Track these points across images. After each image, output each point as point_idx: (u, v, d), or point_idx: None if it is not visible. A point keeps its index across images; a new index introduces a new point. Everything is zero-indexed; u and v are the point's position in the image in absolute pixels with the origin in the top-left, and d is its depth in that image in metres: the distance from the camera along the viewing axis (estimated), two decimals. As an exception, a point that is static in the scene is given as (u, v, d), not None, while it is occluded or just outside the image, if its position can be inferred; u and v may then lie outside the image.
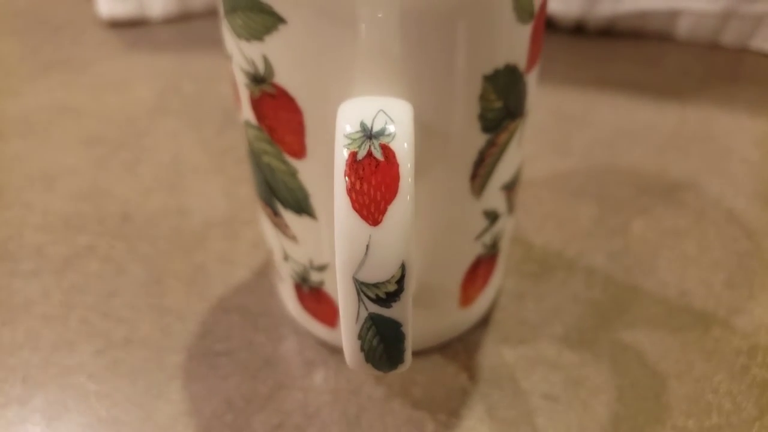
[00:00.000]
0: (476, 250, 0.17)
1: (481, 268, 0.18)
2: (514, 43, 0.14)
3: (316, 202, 0.15)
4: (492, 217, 0.17)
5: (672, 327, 0.20)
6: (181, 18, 0.39)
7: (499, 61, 0.13)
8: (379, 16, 0.12)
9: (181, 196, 0.26)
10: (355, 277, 0.11)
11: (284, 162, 0.15)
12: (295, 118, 0.14)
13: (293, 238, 0.17)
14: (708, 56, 0.35)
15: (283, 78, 0.13)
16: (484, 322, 0.20)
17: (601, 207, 0.25)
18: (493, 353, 0.19)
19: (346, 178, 0.11)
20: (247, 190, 0.26)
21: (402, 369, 0.13)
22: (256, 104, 0.14)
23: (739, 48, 0.35)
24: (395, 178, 0.11)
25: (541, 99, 0.23)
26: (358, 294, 0.11)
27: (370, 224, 0.11)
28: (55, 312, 0.21)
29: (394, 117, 0.11)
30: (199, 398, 0.18)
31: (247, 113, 0.15)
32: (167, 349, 0.19)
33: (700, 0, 0.34)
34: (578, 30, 0.37)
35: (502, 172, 0.16)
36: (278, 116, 0.14)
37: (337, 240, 0.11)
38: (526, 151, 0.18)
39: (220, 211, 0.25)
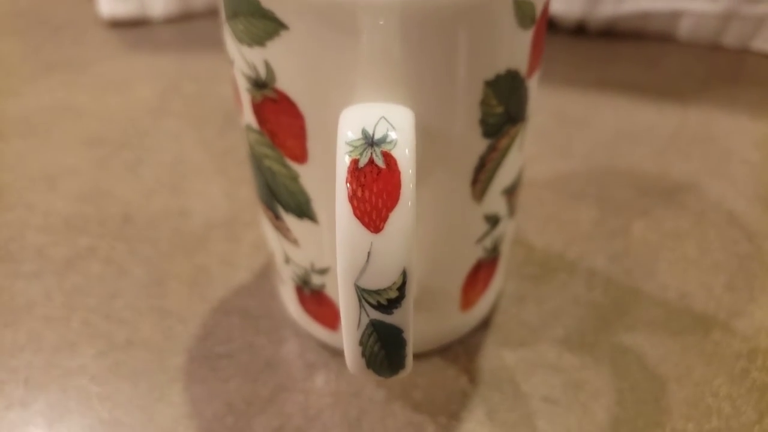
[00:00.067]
0: (477, 253, 0.17)
1: (481, 272, 0.18)
2: (515, 48, 0.14)
3: (317, 206, 0.15)
4: (493, 221, 0.17)
5: (672, 330, 0.20)
6: (183, 18, 0.39)
7: (501, 67, 0.14)
8: (381, 23, 0.12)
9: (182, 197, 0.26)
10: (356, 284, 0.11)
11: (285, 166, 0.15)
12: (296, 122, 0.14)
13: (294, 241, 0.17)
14: (709, 57, 0.35)
15: (284, 83, 0.13)
16: (485, 324, 0.20)
17: (602, 209, 0.25)
18: (494, 356, 0.19)
19: (348, 185, 0.11)
20: (248, 191, 0.26)
21: (403, 374, 0.13)
22: (258, 109, 0.15)
23: (740, 49, 0.35)
24: (396, 185, 0.11)
25: (542, 100, 0.23)
26: (360, 300, 0.11)
27: (371, 231, 0.11)
28: (56, 314, 0.21)
29: (396, 124, 0.11)
30: (200, 401, 0.18)
31: (249, 117, 0.15)
32: (168, 351, 0.20)
33: (702, 1, 0.34)
34: (579, 31, 0.37)
35: (503, 177, 0.16)
36: (280, 121, 0.14)
37: (339, 247, 0.11)
38: (527, 152, 0.18)
39: (222, 212, 0.25)
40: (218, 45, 0.23)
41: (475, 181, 0.15)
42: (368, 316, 0.11)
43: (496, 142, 0.15)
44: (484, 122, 0.14)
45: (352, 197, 0.11)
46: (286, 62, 0.13)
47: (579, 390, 0.18)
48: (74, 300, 0.21)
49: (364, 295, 0.11)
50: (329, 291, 0.17)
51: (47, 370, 0.19)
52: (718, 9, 0.34)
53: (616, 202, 0.25)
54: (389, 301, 0.11)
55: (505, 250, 0.19)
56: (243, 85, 0.15)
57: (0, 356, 0.20)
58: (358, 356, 0.12)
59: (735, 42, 0.35)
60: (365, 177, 0.11)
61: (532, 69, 0.15)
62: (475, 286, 0.18)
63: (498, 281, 0.20)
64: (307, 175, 0.15)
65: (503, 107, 0.14)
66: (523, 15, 0.13)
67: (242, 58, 0.14)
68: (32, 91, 0.33)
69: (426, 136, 0.13)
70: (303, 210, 0.16)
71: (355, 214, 0.11)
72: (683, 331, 0.20)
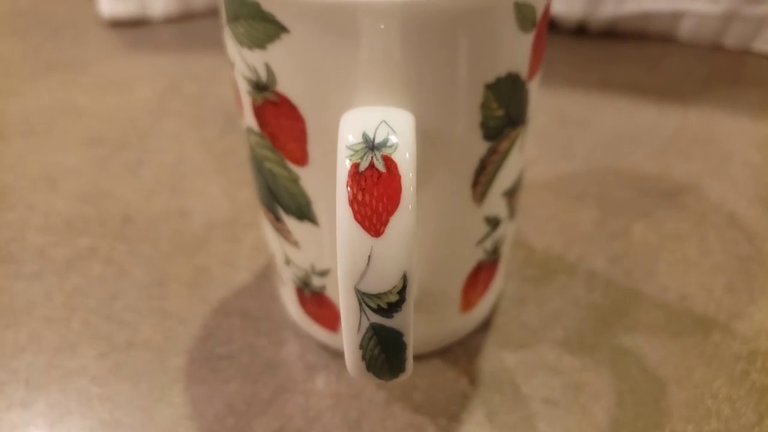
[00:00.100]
0: (477, 255, 0.17)
1: (482, 274, 0.18)
2: (516, 51, 0.14)
3: (317, 208, 0.15)
4: (493, 223, 0.17)
5: (672, 332, 0.20)
6: (183, 17, 0.39)
7: (501, 70, 0.14)
8: (381, 27, 0.12)
9: (182, 197, 0.26)
10: (356, 288, 0.11)
11: (286, 169, 0.15)
12: (297, 125, 0.14)
13: (295, 243, 0.17)
14: (710, 58, 0.35)
15: (285, 86, 0.13)
16: (485, 326, 0.20)
17: (603, 210, 0.25)
18: (494, 357, 0.19)
19: (348, 189, 0.11)
20: (248, 192, 0.26)
21: (403, 378, 0.13)
22: (259, 111, 0.15)
23: (741, 50, 0.35)
24: (397, 189, 0.11)
25: (542, 101, 0.23)
26: (360, 304, 0.11)
27: (372, 235, 0.11)
28: (57, 314, 0.21)
29: (396, 128, 0.11)
30: (200, 402, 0.18)
31: (250, 120, 0.15)
32: (169, 353, 0.20)
33: (703, 1, 0.34)
34: (580, 31, 0.37)
35: (504, 179, 0.16)
36: (280, 124, 0.14)
37: (339, 251, 0.11)
38: (528, 153, 0.18)
39: (222, 213, 0.25)
40: (219, 45, 0.23)
41: (475, 184, 0.15)
42: (368, 319, 0.11)
43: (497, 144, 0.15)
44: (484, 125, 0.14)
45: (353, 201, 0.11)
46: (287, 65, 0.13)
47: (579, 392, 0.18)
48: (75, 301, 0.21)
49: (364, 298, 0.11)
50: (330, 293, 0.17)
51: (48, 371, 0.19)
52: (719, 10, 0.34)
53: (617, 203, 0.25)
54: (389, 304, 0.11)
55: (506, 252, 0.19)
56: (244, 88, 0.15)
57: (1, 357, 0.20)
58: (359, 359, 0.12)
59: (736, 43, 0.35)
60: (366, 181, 0.11)
61: (532, 72, 0.15)
62: (475, 288, 0.18)
63: (498, 283, 0.20)
64: (308, 178, 0.15)
65: (504, 110, 0.14)
66: (524, 18, 0.13)
67: (243, 60, 0.14)
68: (32, 91, 0.33)
69: (426, 139, 0.13)
70: (303, 212, 0.16)
71: (356, 218, 0.11)
72: (683, 333, 0.20)
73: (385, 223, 0.11)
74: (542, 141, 0.29)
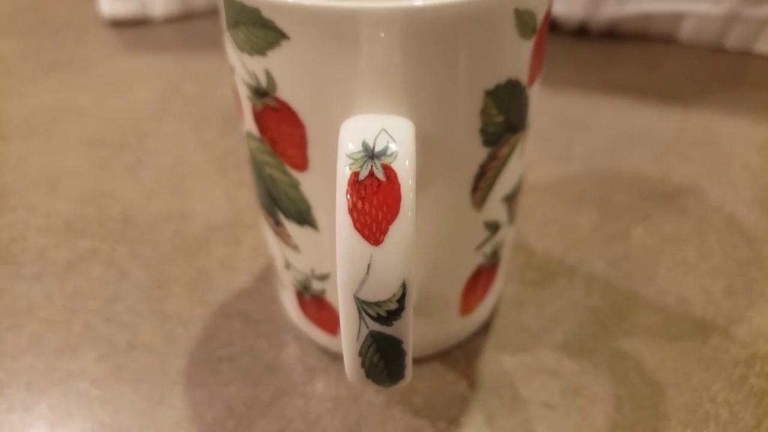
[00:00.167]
0: (477, 260, 0.17)
1: (481, 278, 0.18)
2: (516, 58, 0.14)
3: (317, 213, 0.15)
4: (493, 227, 0.17)
5: (671, 335, 0.20)
6: (184, 17, 0.39)
7: (501, 76, 0.14)
8: (382, 34, 0.12)
9: (182, 199, 0.26)
10: (356, 296, 0.11)
11: (286, 174, 0.15)
12: (297, 131, 0.14)
13: (295, 247, 0.17)
14: (711, 59, 0.35)
15: (285, 92, 0.13)
16: (485, 329, 0.20)
17: (602, 213, 0.25)
18: (493, 361, 0.19)
19: (348, 197, 0.11)
20: (248, 193, 0.26)
21: (402, 384, 0.13)
22: (259, 117, 0.15)
23: (742, 51, 0.35)
24: (396, 198, 0.11)
25: (542, 103, 0.23)
26: (359, 312, 0.11)
27: (371, 244, 0.11)
28: (58, 316, 0.21)
29: (396, 136, 0.11)
30: (201, 404, 0.18)
31: (250, 125, 0.15)
32: (169, 355, 0.20)
33: (704, 3, 0.33)
34: (581, 32, 0.37)
35: (503, 184, 0.16)
36: (280, 129, 0.14)
37: (339, 259, 0.11)
38: (528, 155, 0.18)
39: (222, 214, 0.25)
40: (219, 45, 0.23)
41: (475, 189, 0.15)
42: (368, 327, 0.11)
43: (497, 150, 0.15)
44: (484, 131, 0.14)
45: (353, 209, 0.11)
46: (287, 72, 0.13)
47: (577, 395, 0.18)
48: (75, 303, 0.21)
49: (363, 306, 0.11)
50: (329, 296, 0.17)
51: (49, 373, 0.19)
52: (721, 11, 0.33)
53: (616, 206, 0.25)
54: (389, 312, 0.11)
55: (505, 256, 0.19)
56: (244, 93, 0.15)
57: (2, 359, 0.20)
58: (358, 366, 0.12)
59: (737, 44, 0.35)
60: (365, 190, 0.11)
61: (532, 78, 0.15)
62: (474, 292, 0.18)
63: (498, 286, 0.20)
64: (308, 183, 0.15)
65: (503, 116, 0.14)
66: (524, 25, 0.13)
67: (243, 66, 0.14)
68: (33, 91, 0.33)
69: (426, 145, 0.13)
70: (303, 217, 0.16)
71: (356, 227, 0.11)
72: (682, 337, 0.20)
73: (384, 232, 0.11)
74: (542, 142, 0.29)
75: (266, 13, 0.12)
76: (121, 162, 0.28)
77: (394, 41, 0.12)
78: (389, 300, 0.11)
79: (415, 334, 0.13)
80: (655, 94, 0.32)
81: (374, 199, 0.11)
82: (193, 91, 0.33)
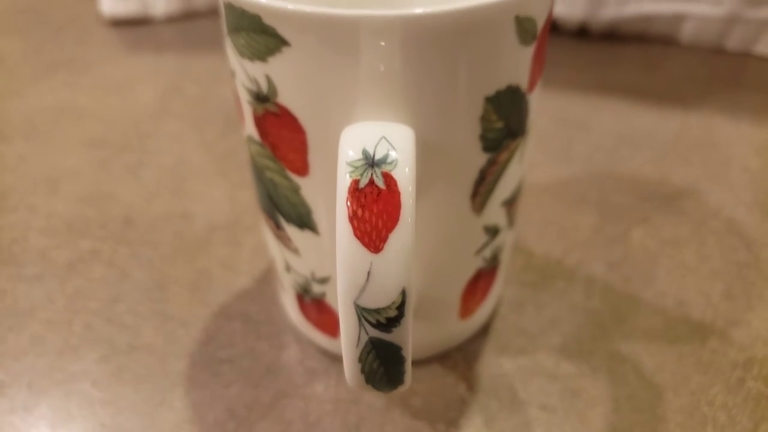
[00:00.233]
0: (476, 264, 0.17)
1: (481, 281, 0.18)
2: (516, 64, 0.14)
3: (318, 217, 0.15)
4: (492, 232, 0.17)
5: (669, 338, 0.20)
6: (185, 17, 0.39)
7: (501, 83, 0.14)
8: (382, 41, 0.12)
9: (183, 200, 0.26)
10: (356, 303, 0.11)
11: (287, 178, 0.15)
12: (297, 137, 0.14)
13: (295, 250, 0.17)
14: (712, 61, 0.35)
15: (286, 98, 0.13)
16: (484, 331, 0.20)
17: (602, 215, 0.25)
18: (492, 363, 0.20)
19: (348, 205, 0.11)
20: (249, 194, 0.26)
21: (402, 389, 0.13)
22: (259, 122, 0.15)
23: (742, 53, 0.35)
24: (396, 206, 0.11)
25: (543, 104, 0.23)
26: (359, 319, 0.11)
27: (371, 251, 0.11)
28: (59, 317, 0.21)
29: (396, 144, 0.11)
30: (201, 406, 0.18)
31: (250, 129, 0.15)
32: (170, 356, 0.20)
33: (705, 4, 0.33)
34: (582, 33, 0.37)
35: (503, 189, 0.16)
36: (281, 134, 0.14)
37: (339, 266, 0.11)
38: (528, 156, 0.18)
39: (223, 215, 0.25)
40: (220, 45, 0.23)
41: (474, 194, 0.15)
42: (367, 334, 0.12)
43: (496, 156, 0.15)
44: (484, 137, 0.14)
45: (353, 217, 0.11)
46: (288, 78, 0.13)
47: (576, 398, 0.18)
48: (76, 303, 0.22)
49: (363, 313, 0.11)
50: (329, 299, 0.18)
51: (50, 374, 0.19)
52: (721, 12, 0.33)
53: (616, 208, 0.25)
54: (388, 319, 0.11)
55: (505, 259, 0.19)
56: (244, 98, 0.15)
57: (3, 359, 0.20)
58: (357, 372, 0.12)
59: (738, 46, 0.35)
60: (365, 198, 0.11)
61: (532, 83, 0.15)
62: (474, 295, 0.18)
63: (497, 289, 0.20)
64: (308, 188, 0.15)
65: (503, 122, 0.14)
66: (525, 32, 0.13)
67: (244, 71, 0.14)
68: (34, 92, 0.33)
69: (426, 151, 0.14)
70: (304, 221, 0.16)
71: (356, 234, 0.11)
72: (680, 340, 0.20)
73: (384, 240, 0.11)
74: (542, 144, 0.29)
75: (267, 20, 0.12)
76: (122, 162, 0.28)
77: (395, 49, 0.12)
78: (389, 307, 0.11)
79: (414, 336, 0.13)
80: (655, 96, 0.32)
81: (374, 207, 0.11)
82: (194, 91, 0.33)
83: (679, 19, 0.35)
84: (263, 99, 0.14)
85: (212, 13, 0.39)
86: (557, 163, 0.28)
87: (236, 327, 0.21)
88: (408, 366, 0.12)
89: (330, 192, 0.13)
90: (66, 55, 0.36)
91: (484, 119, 0.14)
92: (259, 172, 0.16)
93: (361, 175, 0.11)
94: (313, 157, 0.14)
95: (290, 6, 0.12)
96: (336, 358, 0.20)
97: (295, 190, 0.15)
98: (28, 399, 0.19)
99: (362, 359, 0.12)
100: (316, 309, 0.18)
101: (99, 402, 0.19)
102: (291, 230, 0.16)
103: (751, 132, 0.30)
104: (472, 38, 0.12)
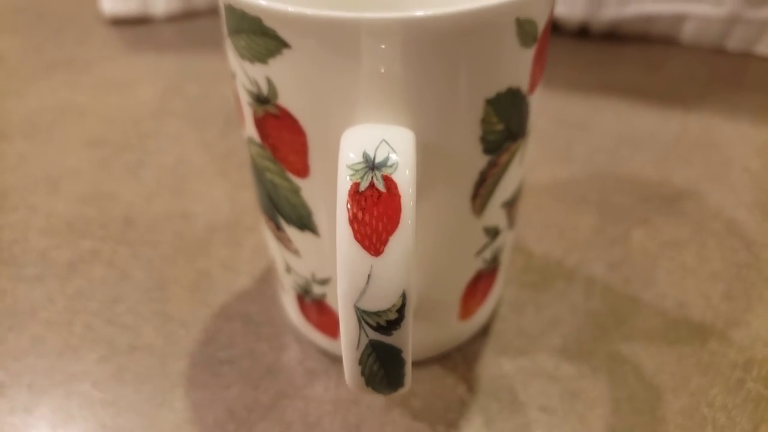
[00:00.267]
0: (476, 265, 0.17)
1: (481, 282, 0.18)
2: (516, 66, 0.14)
3: (318, 219, 0.16)
4: (492, 233, 0.17)
5: (669, 339, 0.20)
6: (185, 16, 0.39)
7: (502, 85, 0.14)
8: (383, 43, 0.12)
9: (184, 199, 0.26)
10: (356, 306, 0.11)
11: (287, 180, 0.15)
12: (298, 139, 0.14)
13: (296, 252, 0.17)
14: (712, 61, 0.35)
15: (286, 100, 0.13)
16: (484, 332, 0.20)
17: (602, 216, 0.25)
18: (492, 364, 0.20)
19: (349, 208, 0.11)
20: (249, 194, 0.26)
21: (402, 392, 0.13)
22: (260, 123, 0.15)
23: (743, 53, 0.35)
24: (397, 209, 0.11)
25: (544, 104, 0.23)
26: (359, 321, 0.11)
27: (371, 254, 0.11)
28: (59, 318, 0.21)
29: (396, 147, 0.11)
30: (202, 407, 0.18)
31: (251, 131, 0.15)
32: (171, 357, 0.20)
33: (705, 4, 0.33)
34: (582, 33, 0.37)
35: (503, 191, 0.16)
36: (281, 136, 0.14)
37: (339, 269, 0.11)
38: (528, 156, 0.18)
39: (224, 215, 0.25)
40: (221, 45, 0.23)
41: (475, 196, 0.15)
42: (368, 336, 0.12)
43: (497, 158, 0.15)
44: (484, 139, 0.14)
45: (353, 220, 0.11)
46: (288, 80, 0.13)
47: (576, 399, 0.18)
48: (77, 304, 0.22)
49: (363, 316, 0.11)
50: (330, 301, 0.18)
51: (50, 374, 0.19)
52: (722, 13, 0.33)
53: (616, 209, 0.25)
54: (388, 322, 0.11)
55: (505, 260, 0.19)
56: (245, 99, 0.15)
57: (4, 360, 0.20)
58: (358, 375, 0.12)
59: (738, 46, 0.35)
60: (366, 201, 0.11)
61: (533, 85, 0.15)
62: (474, 297, 0.18)
63: (497, 290, 0.20)
64: (309, 189, 0.15)
65: (504, 124, 0.14)
66: (525, 34, 0.13)
67: (244, 73, 0.14)
68: (34, 91, 0.33)
69: (427, 153, 0.14)
70: (304, 222, 0.16)
71: (356, 238, 0.11)
72: (680, 341, 0.20)
73: (384, 243, 0.11)
74: (542, 144, 0.29)
75: (267, 22, 0.12)
76: (122, 162, 0.28)
77: (395, 51, 0.12)
78: (389, 310, 0.11)
79: (414, 337, 0.13)
80: (655, 96, 0.32)
81: (374, 210, 0.11)
82: (194, 90, 0.33)
83: (679, 19, 0.35)
84: (263, 101, 0.14)
85: (212, 12, 0.39)
86: (557, 163, 0.28)
87: (236, 327, 0.21)
88: (408, 368, 0.12)
89: (330, 193, 0.13)
90: (66, 55, 0.36)
91: (485, 121, 0.14)
92: (259, 174, 0.16)
93: (362, 178, 0.11)
94: (314, 159, 0.14)
95: (291, 8, 0.12)
96: (336, 359, 0.20)
97: (296, 191, 0.15)
98: (29, 399, 0.19)
99: (362, 362, 0.12)
100: (317, 310, 0.18)
101: (99, 402, 0.19)
102: (291, 231, 0.16)
103: (751, 132, 0.30)
104: (472, 41, 0.12)
